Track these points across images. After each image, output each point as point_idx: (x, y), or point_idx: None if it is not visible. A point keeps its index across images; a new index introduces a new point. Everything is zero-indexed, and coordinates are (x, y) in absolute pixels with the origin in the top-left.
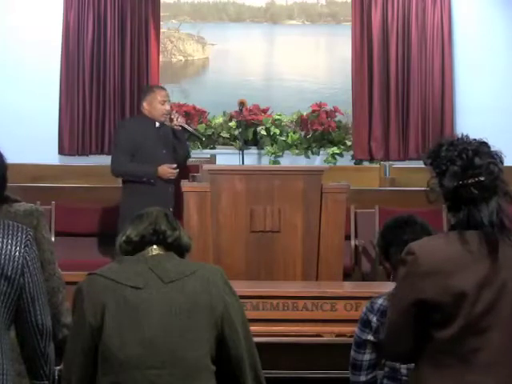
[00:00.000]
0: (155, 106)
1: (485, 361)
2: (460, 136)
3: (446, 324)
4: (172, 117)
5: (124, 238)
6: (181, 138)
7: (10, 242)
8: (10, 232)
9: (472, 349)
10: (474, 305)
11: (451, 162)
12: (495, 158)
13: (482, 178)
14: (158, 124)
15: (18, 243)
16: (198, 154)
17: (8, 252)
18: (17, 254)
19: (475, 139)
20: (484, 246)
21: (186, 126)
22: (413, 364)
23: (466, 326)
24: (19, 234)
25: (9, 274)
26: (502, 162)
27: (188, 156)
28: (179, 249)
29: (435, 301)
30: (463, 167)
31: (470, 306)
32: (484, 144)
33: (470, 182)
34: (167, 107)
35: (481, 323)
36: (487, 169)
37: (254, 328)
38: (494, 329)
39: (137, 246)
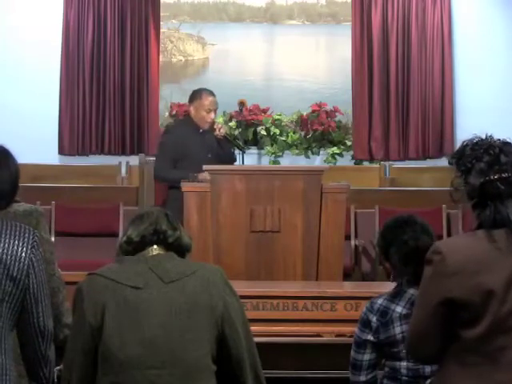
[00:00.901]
0: (200, 113)
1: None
2: (484, 137)
3: (473, 323)
4: (215, 127)
5: (125, 238)
6: (224, 146)
7: (16, 242)
8: (17, 233)
9: (500, 347)
10: (502, 303)
11: (477, 159)
12: None
13: (509, 174)
14: (205, 129)
15: (25, 244)
16: None
17: (14, 253)
18: (23, 254)
19: (499, 139)
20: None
21: (228, 137)
22: (411, 365)
23: (494, 325)
24: (26, 235)
25: (14, 274)
26: None
27: (233, 160)
28: (180, 249)
29: (463, 300)
30: (489, 163)
31: (498, 305)
32: (508, 144)
33: (496, 177)
34: (212, 116)
35: (509, 322)
36: None
37: (254, 328)
38: None
39: (137, 246)
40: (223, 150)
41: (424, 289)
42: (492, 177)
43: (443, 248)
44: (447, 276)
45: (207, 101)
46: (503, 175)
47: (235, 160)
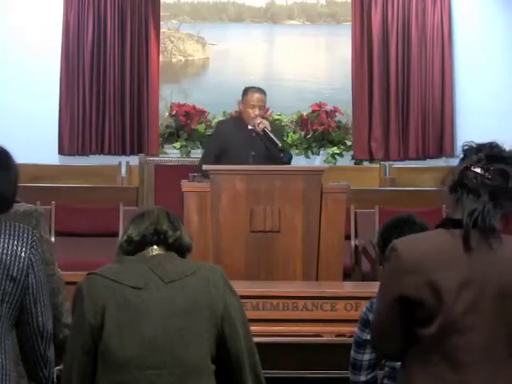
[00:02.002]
0: (246, 109)
1: (467, 360)
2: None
3: (428, 322)
4: (255, 122)
5: (125, 237)
6: (272, 146)
7: (15, 242)
8: (17, 233)
9: (454, 347)
10: (454, 303)
11: (478, 150)
12: None
13: (489, 176)
14: (251, 126)
15: (24, 244)
16: (198, 154)
17: (14, 253)
18: (22, 254)
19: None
20: (466, 245)
21: (268, 131)
22: None
23: (447, 324)
24: (25, 235)
25: (14, 274)
26: None
27: (287, 160)
28: (180, 249)
29: (417, 297)
30: (488, 156)
31: (450, 304)
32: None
33: (477, 170)
34: (256, 112)
35: (462, 322)
36: (504, 174)
37: (253, 328)
38: (476, 329)
39: (137, 246)
40: (270, 151)
41: (381, 286)
42: (474, 167)
43: (399, 245)
44: (402, 273)
45: (252, 97)
46: (485, 173)
47: (287, 162)
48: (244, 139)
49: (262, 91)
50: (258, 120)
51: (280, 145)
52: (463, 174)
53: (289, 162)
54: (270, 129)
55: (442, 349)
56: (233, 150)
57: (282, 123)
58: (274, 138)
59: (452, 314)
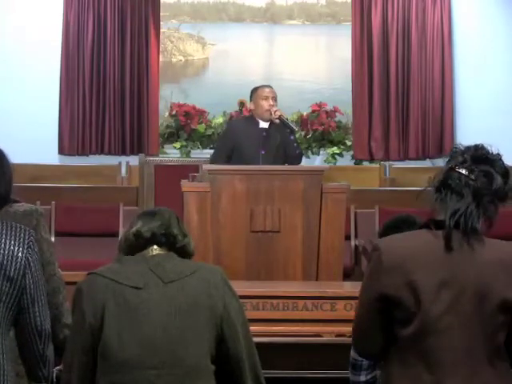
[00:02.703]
0: (258, 103)
1: (444, 361)
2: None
3: (406, 322)
4: (270, 110)
5: (134, 230)
6: (287, 146)
7: (12, 242)
8: (13, 233)
9: (432, 348)
10: (432, 304)
11: (463, 152)
12: (507, 182)
13: (473, 177)
14: (262, 125)
15: (21, 244)
16: (198, 154)
17: (11, 253)
18: (19, 254)
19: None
20: (447, 246)
21: (283, 118)
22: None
23: (425, 325)
24: (22, 234)
25: (11, 274)
26: (506, 194)
27: (299, 159)
28: (183, 255)
29: (396, 297)
30: (472, 158)
31: (428, 305)
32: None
33: (462, 171)
34: (270, 102)
35: (440, 323)
36: (490, 177)
37: (253, 328)
38: (453, 330)
39: (144, 243)
40: (288, 145)
41: (363, 285)
42: (460, 168)
43: (381, 245)
44: (383, 272)
45: (263, 91)
46: (470, 174)
47: (299, 162)
48: (254, 138)
49: (270, 86)
50: (274, 108)
51: (296, 129)
52: (448, 174)
53: (300, 157)
54: (286, 116)
55: (419, 349)
56: (243, 149)
57: None
58: (290, 124)
59: (430, 314)
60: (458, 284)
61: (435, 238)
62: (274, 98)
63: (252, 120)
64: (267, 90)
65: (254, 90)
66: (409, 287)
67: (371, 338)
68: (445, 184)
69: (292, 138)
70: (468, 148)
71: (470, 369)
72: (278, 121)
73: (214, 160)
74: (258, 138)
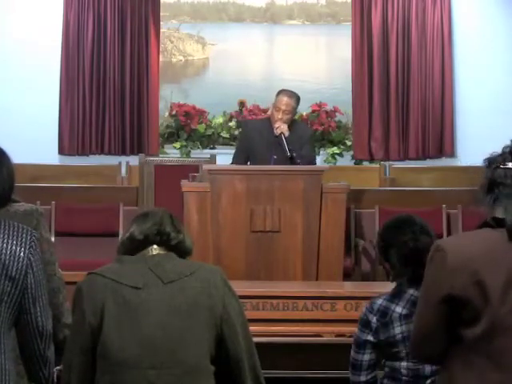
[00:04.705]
0: (272, 111)
1: (511, 362)
2: None
3: (473, 322)
4: (276, 125)
5: (128, 235)
6: (306, 142)
7: (14, 242)
8: (15, 233)
9: (500, 348)
10: (500, 303)
11: (503, 152)
12: None
13: None
14: (275, 130)
15: (23, 244)
16: (198, 154)
17: (13, 253)
18: (21, 254)
19: None
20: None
21: (283, 137)
22: (411, 365)
23: (493, 325)
24: (24, 235)
25: (13, 274)
26: None
27: (309, 160)
28: (181, 252)
29: (463, 297)
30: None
31: (496, 304)
32: None
33: (509, 164)
34: (280, 115)
35: (508, 322)
36: None
37: (253, 328)
38: None
39: (139, 245)
40: (296, 151)
41: (426, 287)
42: (501, 165)
43: (445, 245)
44: (448, 273)
45: (280, 101)
46: (509, 164)
47: (308, 163)
48: (268, 141)
49: (291, 96)
50: (278, 124)
51: (289, 154)
52: (495, 173)
53: (311, 160)
54: (286, 135)
55: (486, 349)
56: (255, 152)
57: None
58: (286, 146)
59: (499, 313)
60: None
61: (498, 236)
62: (286, 112)
63: (268, 123)
64: (284, 101)
65: (277, 94)
66: (477, 287)
67: (434, 341)
68: (495, 183)
69: (287, 156)
70: (505, 147)
71: None
72: (276, 136)
73: (234, 162)
74: (271, 142)
